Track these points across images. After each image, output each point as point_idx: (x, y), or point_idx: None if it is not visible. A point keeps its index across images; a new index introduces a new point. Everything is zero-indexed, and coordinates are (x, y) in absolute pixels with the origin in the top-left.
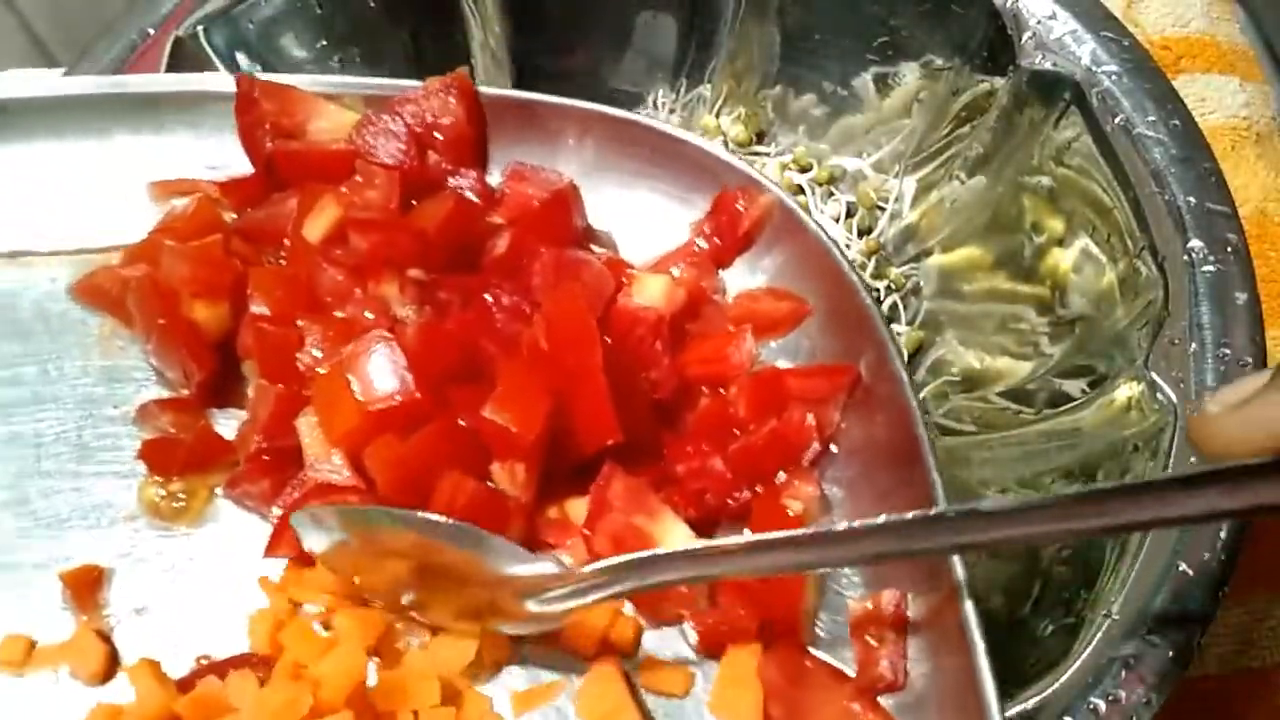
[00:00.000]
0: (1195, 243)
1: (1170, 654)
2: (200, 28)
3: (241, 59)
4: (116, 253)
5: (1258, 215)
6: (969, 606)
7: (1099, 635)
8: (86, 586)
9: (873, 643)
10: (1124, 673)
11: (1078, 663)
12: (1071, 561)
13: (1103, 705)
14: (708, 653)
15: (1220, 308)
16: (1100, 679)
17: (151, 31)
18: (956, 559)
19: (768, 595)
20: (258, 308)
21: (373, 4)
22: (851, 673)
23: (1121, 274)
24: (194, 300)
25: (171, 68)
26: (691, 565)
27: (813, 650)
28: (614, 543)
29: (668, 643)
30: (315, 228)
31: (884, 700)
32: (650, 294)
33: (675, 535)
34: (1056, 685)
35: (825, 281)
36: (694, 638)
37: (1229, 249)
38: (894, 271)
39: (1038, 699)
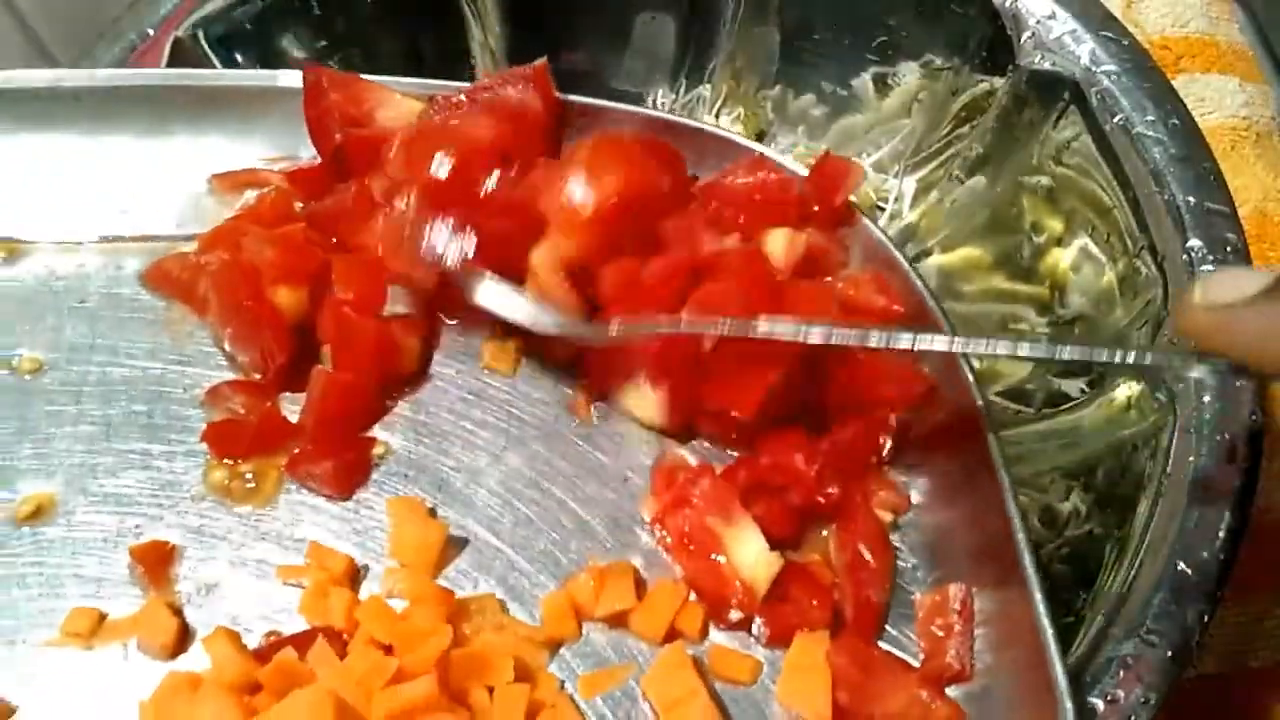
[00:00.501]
0: (1194, 242)
1: (1169, 654)
2: (199, 28)
3: (240, 59)
4: (181, 242)
5: (1257, 215)
6: (1039, 598)
7: (1098, 635)
8: (157, 562)
9: (939, 634)
10: (1123, 673)
11: (1075, 662)
12: (1071, 560)
13: (1101, 705)
14: (776, 644)
15: None
16: (1099, 679)
17: (151, 32)
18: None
19: (845, 587)
20: (341, 293)
21: (371, 4)
22: (916, 665)
23: (1121, 273)
24: (276, 285)
25: (171, 68)
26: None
27: (879, 643)
28: (679, 536)
29: (735, 632)
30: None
31: (951, 691)
32: (772, 247)
33: (747, 545)
34: None
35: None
36: (761, 631)
37: (1228, 248)
38: None
39: None
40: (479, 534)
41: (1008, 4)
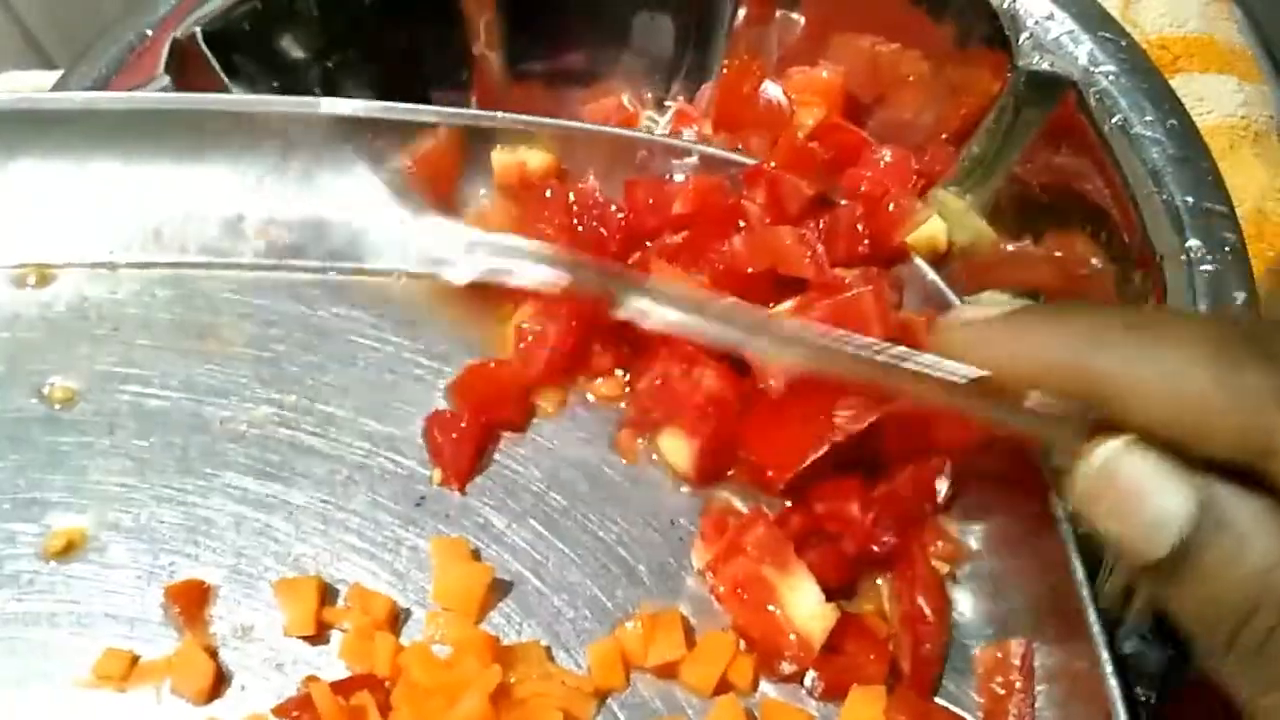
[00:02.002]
0: (1193, 242)
1: (1170, 654)
2: (198, 29)
3: (239, 60)
4: (218, 269)
5: (1255, 215)
6: (1105, 655)
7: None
8: (193, 602)
9: (1000, 690)
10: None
11: None
12: None
13: None
14: (829, 698)
15: (1218, 307)
16: None
17: (149, 33)
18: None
19: (902, 640)
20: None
21: (370, 4)
22: None
23: (1119, 274)
24: None
25: (169, 69)
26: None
27: (936, 699)
28: (732, 585)
29: (786, 685)
30: None
31: None
32: None
33: (802, 595)
34: None
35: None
36: (815, 684)
37: (1227, 248)
38: None
39: None
40: (523, 577)
41: (1005, 5)
